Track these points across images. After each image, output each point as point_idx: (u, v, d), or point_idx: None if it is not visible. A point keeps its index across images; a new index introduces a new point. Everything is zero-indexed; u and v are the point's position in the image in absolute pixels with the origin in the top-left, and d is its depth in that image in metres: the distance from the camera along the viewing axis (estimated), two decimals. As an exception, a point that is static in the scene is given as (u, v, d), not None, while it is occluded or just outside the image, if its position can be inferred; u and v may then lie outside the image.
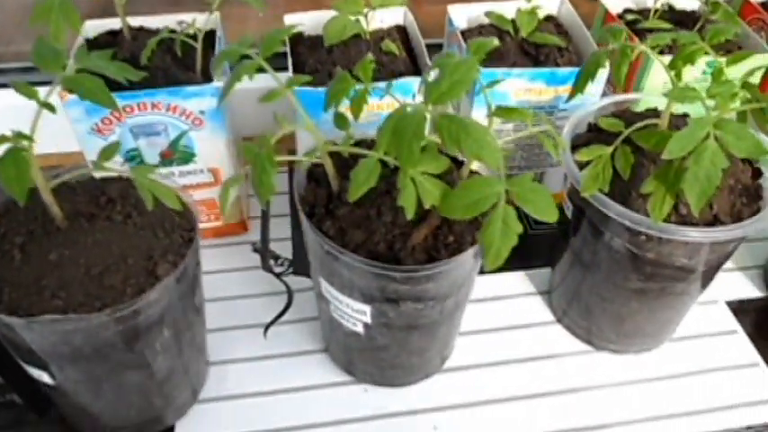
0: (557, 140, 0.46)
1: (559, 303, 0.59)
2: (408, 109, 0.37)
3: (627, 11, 0.69)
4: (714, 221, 0.45)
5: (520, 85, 0.58)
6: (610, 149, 0.46)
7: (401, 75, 0.56)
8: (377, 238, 0.43)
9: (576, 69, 0.54)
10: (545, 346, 0.58)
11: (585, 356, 0.58)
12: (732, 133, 0.39)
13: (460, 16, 0.66)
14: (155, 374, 0.45)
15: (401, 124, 0.37)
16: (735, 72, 0.48)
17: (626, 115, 0.52)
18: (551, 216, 0.37)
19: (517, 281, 0.63)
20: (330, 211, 0.45)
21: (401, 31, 0.65)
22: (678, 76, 0.45)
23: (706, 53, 0.48)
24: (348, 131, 0.43)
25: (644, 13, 0.67)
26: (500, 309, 0.61)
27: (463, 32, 0.64)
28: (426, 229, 0.43)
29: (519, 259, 0.63)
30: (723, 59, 0.48)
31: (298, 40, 0.63)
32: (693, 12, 0.68)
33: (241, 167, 0.67)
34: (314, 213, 0.45)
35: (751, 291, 0.64)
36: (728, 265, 0.64)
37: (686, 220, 0.45)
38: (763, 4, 0.70)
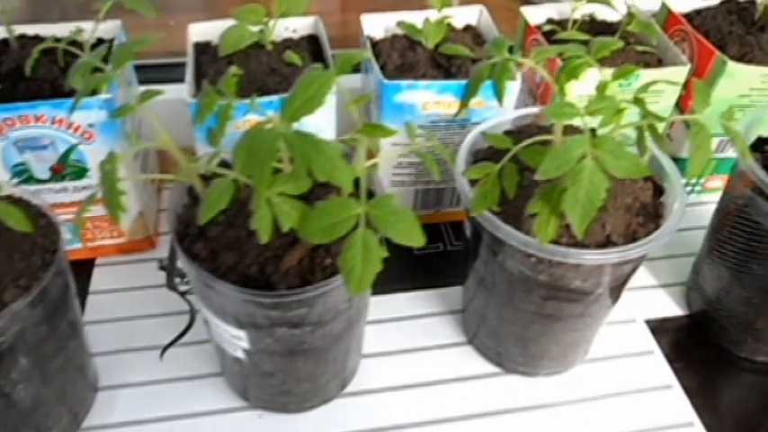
0: (447, 157, 0.44)
1: (470, 324, 0.57)
2: (266, 126, 0.35)
3: (549, 21, 0.67)
4: (607, 242, 0.43)
5: (428, 98, 0.56)
6: (497, 167, 0.44)
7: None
8: (249, 260, 0.41)
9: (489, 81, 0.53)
10: (455, 369, 0.56)
11: (496, 379, 0.56)
12: (609, 152, 0.37)
13: (376, 25, 0.64)
14: (16, 404, 0.43)
15: (254, 143, 0.34)
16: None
17: (529, 130, 0.50)
18: (416, 240, 0.35)
19: (429, 300, 0.61)
20: (203, 232, 0.42)
21: (313, 41, 0.63)
22: (562, 90, 0.43)
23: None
24: (217, 147, 0.41)
25: (565, 23, 0.65)
26: (409, 329, 0.59)
27: (377, 42, 0.62)
28: (300, 252, 0.41)
29: (432, 277, 0.62)
30: (610, 71, 0.46)
31: (203, 50, 0.60)
32: (613, 23, 0.66)
33: (150, 181, 0.64)
34: (187, 234, 0.43)
35: (672, 309, 0.62)
36: (650, 282, 0.63)
37: (578, 242, 0.43)
38: (686, 15, 0.69)
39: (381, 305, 0.60)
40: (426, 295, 0.61)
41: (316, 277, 0.40)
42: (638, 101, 0.42)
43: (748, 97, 0.63)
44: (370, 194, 0.43)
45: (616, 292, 0.48)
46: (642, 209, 0.46)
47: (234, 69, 0.41)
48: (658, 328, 0.60)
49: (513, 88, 0.56)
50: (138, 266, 0.63)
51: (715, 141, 0.67)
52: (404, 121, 0.57)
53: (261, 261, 0.41)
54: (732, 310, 0.56)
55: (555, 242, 0.42)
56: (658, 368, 0.57)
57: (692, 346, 0.59)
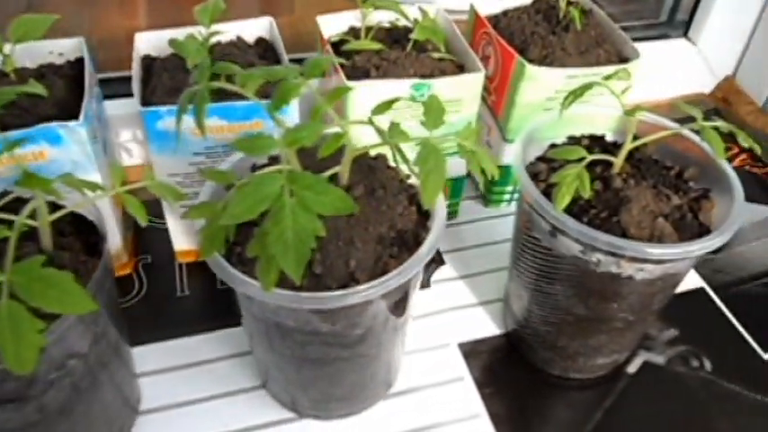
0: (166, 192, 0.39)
1: (259, 367, 0.52)
2: None
3: (352, 29, 0.63)
4: (350, 280, 0.39)
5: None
6: (220, 203, 0.39)
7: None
8: None
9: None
10: (249, 416, 0.51)
11: (292, 425, 0.51)
12: (309, 188, 0.33)
13: (148, 43, 0.58)
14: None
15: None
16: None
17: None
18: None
19: (218, 342, 0.56)
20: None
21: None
22: (276, 121, 0.38)
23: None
24: None
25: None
26: (196, 376, 0.53)
27: (152, 61, 0.57)
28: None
29: (221, 317, 0.57)
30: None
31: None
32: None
33: None
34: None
35: (490, 328, 0.59)
36: (469, 300, 0.60)
37: (322, 282, 0.39)
38: (494, 17, 0.66)
39: (169, 352, 0.54)
40: (216, 337, 0.56)
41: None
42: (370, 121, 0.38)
43: (555, 100, 0.60)
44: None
45: (381, 327, 0.44)
46: (399, 238, 0.42)
47: None
48: (472, 350, 0.57)
49: (292, 111, 0.52)
50: None
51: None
52: (173, 149, 0.52)
53: None
54: (536, 330, 0.53)
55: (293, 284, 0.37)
56: (467, 396, 0.53)
57: (506, 367, 0.56)
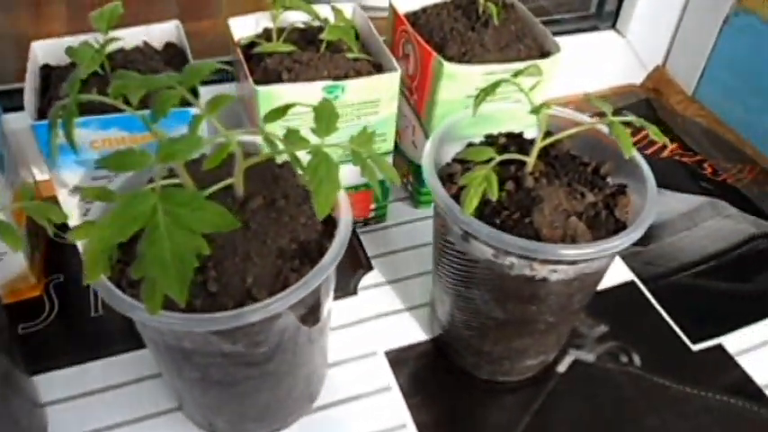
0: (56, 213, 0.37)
1: (172, 389, 0.49)
2: None
3: (266, 31, 0.60)
4: (247, 297, 0.37)
5: (93, 136, 0.48)
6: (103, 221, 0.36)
7: None
8: None
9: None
10: (165, 441, 0.49)
11: (210, 447, 0.49)
12: (184, 205, 0.31)
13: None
14: None
15: None
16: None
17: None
18: None
19: (134, 363, 0.53)
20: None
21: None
22: (155, 132, 0.36)
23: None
24: None
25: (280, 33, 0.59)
26: (111, 401, 0.51)
27: (52, 70, 0.54)
28: None
29: (137, 336, 0.54)
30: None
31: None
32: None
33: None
34: None
35: (418, 334, 0.57)
36: (397, 306, 0.58)
37: (218, 301, 0.37)
38: (413, 14, 0.64)
39: (80, 377, 0.52)
40: (130, 358, 0.53)
41: None
42: (290, 134, 0.36)
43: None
44: None
45: (300, 341, 0.43)
46: (302, 250, 0.40)
47: None
48: (399, 358, 0.55)
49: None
50: None
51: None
52: (74, 161, 0.50)
53: None
54: (459, 335, 0.52)
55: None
56: (394, 405, 0.52)
57: (434, 373, 0.55)
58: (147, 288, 0.34)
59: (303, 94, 0.52)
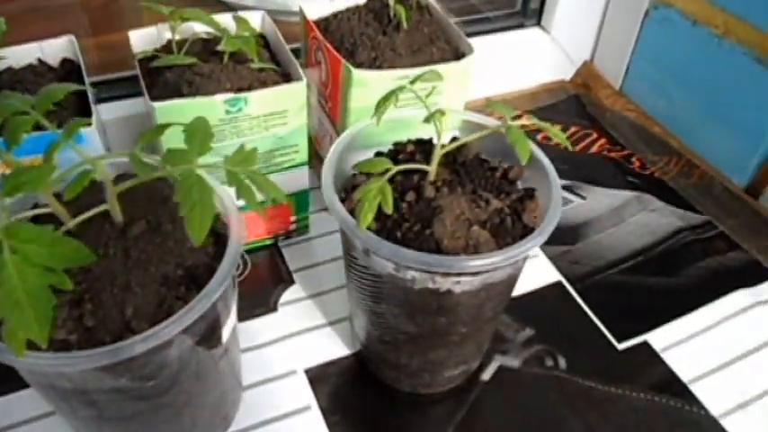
0: None
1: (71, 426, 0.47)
2: None
3: (169, 43, 0.58)
4: (126, 330, 0.35)
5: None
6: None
7: None
8: None
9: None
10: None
11: (119, 482, 0.46)
12: (33, 241, 0.29)
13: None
14: None
15: None
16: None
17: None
18: None
19: (21, 404, 0.50)
20: None
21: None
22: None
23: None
24: None
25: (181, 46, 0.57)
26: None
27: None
28: None
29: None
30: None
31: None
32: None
33: None
34: None
35: (338, 349, 0.56)
36: (318, 320, 0.56)
37: (95, 336, 0.35)
38: (324, 20, 0.62)
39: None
40: (29, 396, 0.51)
41: None
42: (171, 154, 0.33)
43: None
44: None
45: (201, 367, 0.41)
46: (189, 275, 0.38)
47: None
48: (320, 375, 0.53)
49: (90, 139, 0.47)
50: None
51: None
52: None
53: None
54: (375, 349, 0.50)
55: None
56: (314, 425, 0.50)
57: (356, 389, 0.53)
58: (8, 330, 0.31)
59: (203, 109, 0.50)
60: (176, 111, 0.49)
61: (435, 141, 0.43)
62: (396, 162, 0.46)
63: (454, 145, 0.44)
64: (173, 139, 0.49)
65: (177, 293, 0.37)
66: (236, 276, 0.59)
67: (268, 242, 0.63)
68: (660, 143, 0.79)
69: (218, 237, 0.41)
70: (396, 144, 0.50)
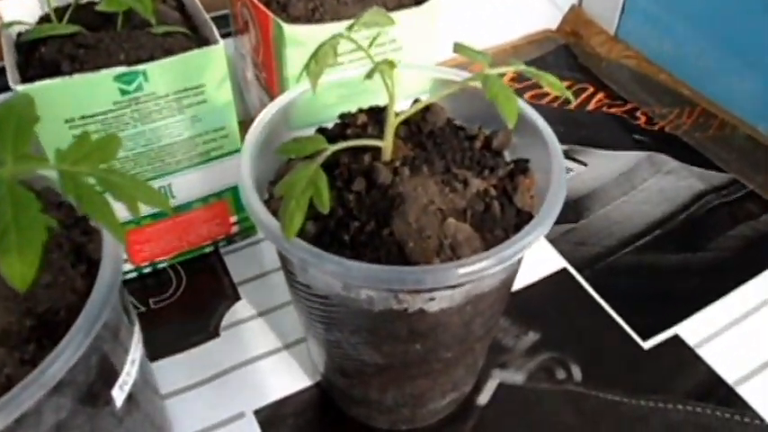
0: None
1: None
2: None
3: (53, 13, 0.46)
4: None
5: None
6: None
7: None
8: None
9: None
10: None
11: None
12: None
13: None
14: None
15: None
16: None
17: None
18: None
19: None
20: None
21: None
22: None
23: None
24: None
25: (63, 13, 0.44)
26: None
27: None
28: None
29: None
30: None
31: None
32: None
33: None
34: None
35: (295, 380, 0.44)
36: (271, 344, 0.45)
37: None
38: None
39: None
40: None
41: None
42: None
43: (339, 67, 0.45)
44: None
45: (102, 428, 0.29)
46: (44, 324, 0.26)
47: None
48: (274, 416, 0.42)
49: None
50: None
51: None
52: None
53: None
54: (336, 382, 0.39)
55: None
56: (266, 486, 0.39)
57: (321, 429, 0.42)
58: None
59: (87, 90, 0.38)
60: (51, 97, 0.37)
61: (389, 106, 0.31)
62: (344, 138, 0.35)
63: (413, 109, 0.33)
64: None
65: (22, 355, 0.25)
66: (153, 305, 0.47)
67: (207, 250, 0.52)
68: (668, 92, 0.68)
69: (91, 263, 0.29)
70: (342, 116, 0.38)
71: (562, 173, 0.33)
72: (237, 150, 0.47)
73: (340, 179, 0.32)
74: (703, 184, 0.58)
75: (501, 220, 0.32)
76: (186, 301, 0.49)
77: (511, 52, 0.74)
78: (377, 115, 0.38)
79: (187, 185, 0.46)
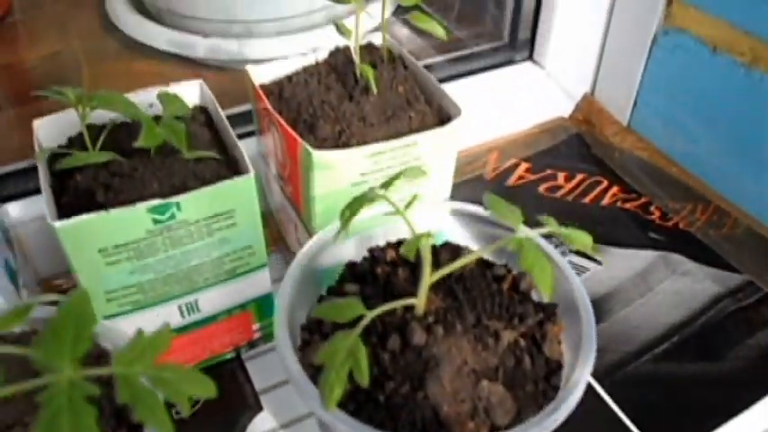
0: None
1: None
2: None
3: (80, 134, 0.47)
4: None
5: None
6: None
7: None
8: None
9: None
10: None
11: None
12: None
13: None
14: None
15: None
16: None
17: None
18: None
19: None
20: None
21: None
22: None
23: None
24: None
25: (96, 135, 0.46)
26: None
27: None
28: None
29: None
30: None
31: None
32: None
33: None
34: None
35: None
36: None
37: None
38: (276, 84, 0.51)
39: None
40: None
41: None
42: None
43: (363, 184, 0.47)
44: None
45: None
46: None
47: None
48: None
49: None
50: None
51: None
52: None
53: None
54: None
55: None
56: None
57: None
58: None
59: (123, 223, 0.39)
60: (86, 230, 0.38)
61: (423, 269, 0.32)
62: (373, 276, 0.35)
63: (449, 269, 0.33)
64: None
65: None
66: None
67: (228, 356, 0.52)
68: (680, 186, 0.69)
69: (132, 428, 0.29)
70: (371, 251, 0.39)
71: (591, 328, 0.33)
72: (263, 265, 0.47)
73: (374, 334, 0.33)
74: (719, 287, 0.59)
75: (531, 373, 0.33)
76: (208, 412, 0.49)
77: (526, 141, 0.75)
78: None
79: (213, 300, 0.47)
